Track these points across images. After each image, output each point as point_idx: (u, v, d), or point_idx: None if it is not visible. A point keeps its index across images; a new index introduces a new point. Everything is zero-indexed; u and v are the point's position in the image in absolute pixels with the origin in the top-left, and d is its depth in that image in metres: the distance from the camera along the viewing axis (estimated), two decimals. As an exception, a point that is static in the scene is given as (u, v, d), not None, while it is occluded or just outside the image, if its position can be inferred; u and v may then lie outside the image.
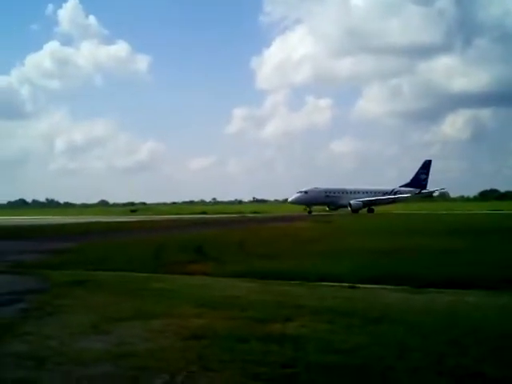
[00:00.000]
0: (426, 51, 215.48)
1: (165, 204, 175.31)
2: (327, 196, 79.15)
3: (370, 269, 13.26)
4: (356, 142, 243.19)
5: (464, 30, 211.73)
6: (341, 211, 79.14)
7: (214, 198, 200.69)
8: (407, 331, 7.30)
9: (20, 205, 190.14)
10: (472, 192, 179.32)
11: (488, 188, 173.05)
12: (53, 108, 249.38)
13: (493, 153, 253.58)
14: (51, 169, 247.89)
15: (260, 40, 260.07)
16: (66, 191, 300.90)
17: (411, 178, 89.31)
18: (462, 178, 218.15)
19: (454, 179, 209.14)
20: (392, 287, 11.51)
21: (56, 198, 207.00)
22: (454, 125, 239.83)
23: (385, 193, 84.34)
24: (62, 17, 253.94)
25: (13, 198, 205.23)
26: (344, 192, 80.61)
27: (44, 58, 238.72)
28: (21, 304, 9.73)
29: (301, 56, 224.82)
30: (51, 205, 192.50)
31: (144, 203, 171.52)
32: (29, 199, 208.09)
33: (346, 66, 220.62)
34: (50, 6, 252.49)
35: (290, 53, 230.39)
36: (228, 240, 23.21)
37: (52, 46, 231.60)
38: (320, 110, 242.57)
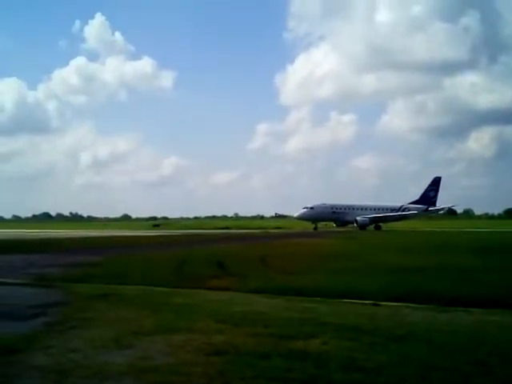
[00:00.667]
0: (450, 68, 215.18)
1: (187, 219, 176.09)
2: (334, 212, 78.85)
3: (393, 286, 13.12)
4: (379, 158, 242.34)
5: (489, 46, 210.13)
6: (348, 227, 78.73)
7: (236, 213, 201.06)
8: (431, 350, 7.19)
9: (44, 218, 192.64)
10: (497, 209, 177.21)
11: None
12: (78, 123, 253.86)
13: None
14: (75, 183, 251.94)
15: (284, 56, 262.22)
16: (90, 205, 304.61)
17: (420, 194, 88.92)
18: (487, 196, 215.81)
19: (479, 196, 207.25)
20: (416, 305, 11.36)
21: (80, 212, 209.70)
22: (479, 141, 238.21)
23: (393, 209, 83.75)
24: (88, 33, 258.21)
25: (37, 212, 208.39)
26: (351, 208, 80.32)
27: (70, 73, 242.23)
28: (44, 317, 9.81)
29: (324, 72, 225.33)
30: (75, 219, 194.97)
31: (166, 218, 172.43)
32: (53, 213, 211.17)
33: (369, 82, 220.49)
34: (77, 23, 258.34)
35: (314, 69, 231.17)
36: (250, 255, 23.16)
37: (78, 61, 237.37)
38: (343, 126, 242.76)
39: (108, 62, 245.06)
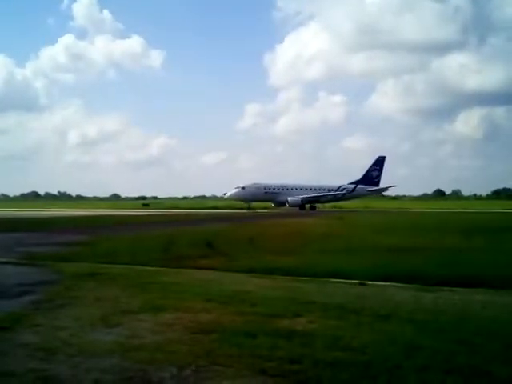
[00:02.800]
0: (440, 48, 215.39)
1: (176, 198, 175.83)
2: (266, 192, 77.33)
3: (380, 266, 13.25)
4: (368, 139, 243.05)
5: (479, 27, 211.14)
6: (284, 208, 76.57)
7: (226, 193, 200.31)
8: (416, 329, 7.29)
9: (33, 197, 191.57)
10: (485, 191, 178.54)
11: (501, 187, 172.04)
12: (66, 101, 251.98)
13: (507, 151, 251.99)
14: (64, 162, 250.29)
15: (273, 36, 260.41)
16: (79, 184, 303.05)
17: (362, 174, 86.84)
18: (475, 177, 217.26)
19: (467, 177, 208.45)
20: (402, 285, 11.48)
21: (68, 191, 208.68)
22: (468, 123, 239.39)
23: (330, 189, 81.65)
24: (76, 11, 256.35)
25: (26, 191, 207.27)
26: (284, 188, 78.69)
27: (59, 51, 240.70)
28: (32, 296, 9.83)
29: (314, 52, 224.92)
30: (63, 197, 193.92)
31: (155, 197, 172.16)
32: (41, 192, 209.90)
33: (359, 62, 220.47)
34: (66, 1, 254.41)
35: (303, 49, 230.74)
36: (238, 235, 23.23)
37: (67, 39, 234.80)
38: (332, 106, 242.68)
39: (96, 41, 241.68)
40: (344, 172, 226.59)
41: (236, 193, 76.77)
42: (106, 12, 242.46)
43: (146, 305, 8.83)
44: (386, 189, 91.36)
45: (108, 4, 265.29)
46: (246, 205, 76.44)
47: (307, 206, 78.07)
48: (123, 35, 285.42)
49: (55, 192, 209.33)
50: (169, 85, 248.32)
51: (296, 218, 43.79)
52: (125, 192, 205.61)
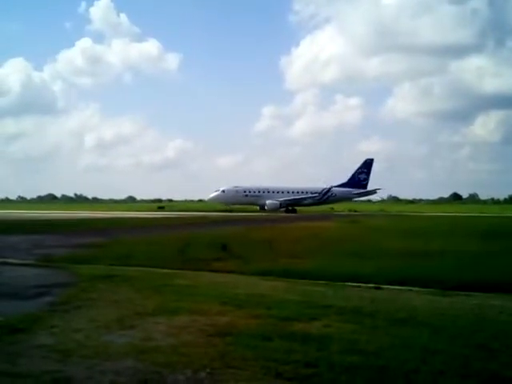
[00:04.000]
0: (457, 51, 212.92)
1: (192, 201, 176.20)
2: (246, 195, 76.20)
3: (396, 270, 13.16)
4: (385, 142, 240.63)
5: (497, 30, 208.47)
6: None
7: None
8: (432, 334, 7.23)
9: (49, 199, 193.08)
10: (502, 195, 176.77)
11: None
12: (83, 104, 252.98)
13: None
14: (80, 164, 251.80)
15: (289, 39, 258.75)
16: (95, 187, 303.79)
17: (349, 177, 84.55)
18: (493, 181, 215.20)
19: (484, 181, 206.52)
20: (418, 289, 11.39)
21: (84, 194, 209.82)
22: (485, 126, 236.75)
23: (313, 192, 79.14)
24: (94, 15, 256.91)
25: (43, 193, 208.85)
26: (265, 191, 77.09)
27: (76, 55, 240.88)
28: (48, 297, 9.89)
29: (330, 55, 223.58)
30: (80, 200, 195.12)
31: (171, 200, 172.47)
32: (58, 194, 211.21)
33: (375, 65, 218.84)
34: (83, 4, 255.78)
35: (319, 52, 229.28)
36: (254, 238, 23.19)
37: (84, 43, 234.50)
38: (349, 109, 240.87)
39: (113, 44, 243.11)
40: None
41: (216, 196, 76.36)
42: (122, 16, 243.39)
43: (160, 307, 8.85)
44: (373, 192, 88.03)
45: (125, 8, 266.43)
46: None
47: (287, 208, 76.45)
48: (140, 38, 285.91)
49: (71, 194, 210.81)
50: (185, 88, 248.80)
51: (310, 222, 43.65)
52: (140, 194, 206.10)
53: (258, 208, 77.83)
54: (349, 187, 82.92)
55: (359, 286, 11.70)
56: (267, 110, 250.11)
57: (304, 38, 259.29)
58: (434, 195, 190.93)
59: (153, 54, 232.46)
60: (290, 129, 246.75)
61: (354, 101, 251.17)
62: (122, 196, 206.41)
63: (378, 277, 12.18)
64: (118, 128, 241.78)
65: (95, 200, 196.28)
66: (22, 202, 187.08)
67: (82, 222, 42.07)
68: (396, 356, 6.15)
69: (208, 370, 5.67)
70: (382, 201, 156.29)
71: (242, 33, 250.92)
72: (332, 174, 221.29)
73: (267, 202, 74.41)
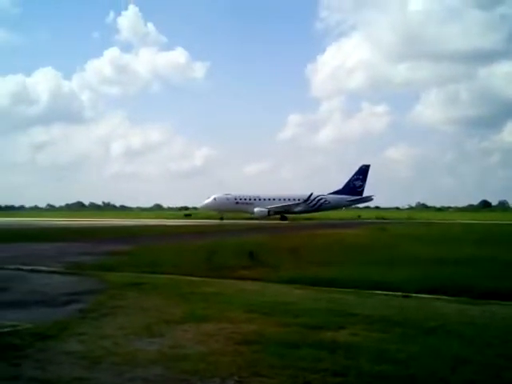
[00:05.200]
0: (485, 57, 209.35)
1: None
2: (237, 203, 76.83)
3: (424, 278, 13.01)
4: (411, 149, 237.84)
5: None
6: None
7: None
8: (462, 343, 7.11)
9: (78, 207, 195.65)
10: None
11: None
12: (111, 113, 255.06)
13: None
14: (108, 172, 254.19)
15: (314, 46, 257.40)
16: (122, 194, 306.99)
17: (344, 184, 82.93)
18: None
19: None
20: (448, 298, 11.23)
21: (112, 202, 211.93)
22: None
23: (305, 200, 77.79)
24: (121, 24, 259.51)
25: (71, 201, 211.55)
26: (256, 199, 77.28)
27: (104, 64, 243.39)
28: (77, 304, 10.01)
29: (356, 62, 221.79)
30: (107, 208, 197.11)
31: (196, 208, 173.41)
32: (86, 202, 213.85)
33: (402, 71, 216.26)
34: (111, 14, 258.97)
35: (346, 59, 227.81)
36: (280, 246, 23.17)
37: (112, 52, 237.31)
38: (375, 116, 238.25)
39: (141, 53, 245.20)
40: (386, 182, 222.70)
41: (208, 203, 77.69)
42: (150, 25, 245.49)
43: (188, 315, 8.89)
44: (368, 199, 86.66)
45: (152, 17, 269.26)
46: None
47: (282, 216, 76.41)
48: (167, 47, 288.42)
49: (99, 202, 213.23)
50: (212, 96, 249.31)
51: (335, 229, 43.42)
52: (167, 202, 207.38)
53: (249, 215, 77.91)
54: (344, 194, 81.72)
55: (387, 295, 11.57)
56: (293, 118, 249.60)
57: (330, 45, 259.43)
58: (462, 202, 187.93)
59: (180, 62, 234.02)
60: (316, 136, 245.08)
61: (380, 108, 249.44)
62: (150, 203, 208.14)
63: (406, 285, 12.05)
64: (146, 136, 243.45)
65: (123, 208, 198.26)
66: (50, 210, 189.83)
67: (109, 229, 42.51)
68: (425, 365, 6.07)
69: (236, 378, 5.66)
70: (410, 208, 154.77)
71: (268, 41, 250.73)
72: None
73: (255, 209, 74.99)
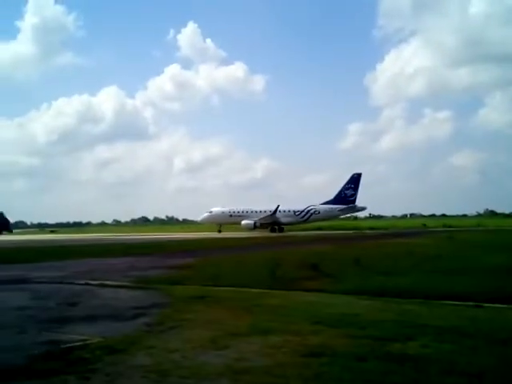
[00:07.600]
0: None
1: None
2: (231, 216, 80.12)
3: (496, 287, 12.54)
4: (477, 154, 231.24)
5: None
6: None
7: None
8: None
9: (142, 222, 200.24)
10: None
11: None
12: (173, 129, 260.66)
13: None
14: (171, 187, 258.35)
15: (373, 55, 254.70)
16: (185, 208, 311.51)
17: (335, 194, 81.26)
18: None
19: None
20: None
21: (175, 216, 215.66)
22: None
23: (296, 212, 79.09)
24: (181, 41, 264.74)
25: (136, 216, 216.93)
26: (249, 212, 79.24)
27: (165, 81, 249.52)
28: (144, 318, 10.20)
29: (416, 68, 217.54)
30: (171, 222, 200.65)
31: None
32: (151, 217, 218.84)
33: (464, 76, 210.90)
34: (171, 32, 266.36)
35: (405, 65, 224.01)
36: (344, 256, 22.90)
37: (173, 69, 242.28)
38: (438, 123, 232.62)
39: (201, 69, 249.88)
40: (452, 188, 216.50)
41: (205, 217, 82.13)
42: (208, 41, 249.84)
43: (253, 327, 8.88)
44: (361, 208, 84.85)
45: (211, 33, 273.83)
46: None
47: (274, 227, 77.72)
48: (226, 62, 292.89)
49: (163, 217, 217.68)
50: (271, 108, 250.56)
51: (400, 239, 42.60)
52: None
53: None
54: (335, 204, 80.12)
55: (457, 305, 11.21)
56: (353, 127, 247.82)
57: (389, 53, 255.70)
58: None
59: (239, 76, 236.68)
60: (376, 145, 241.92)
61: (442, 114, 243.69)
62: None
63: (477, 294, 11.64)
64: (206, 150, 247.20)
65: (186, 221, 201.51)
66: (116, 225, 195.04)
67: (173, 243, 43.24)
68: (499, 378, 5.83)
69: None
70: (478, 215, 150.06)
71: (326, 51, 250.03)
72: (423, 189, 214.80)
73: (242, 222, 77.31)
